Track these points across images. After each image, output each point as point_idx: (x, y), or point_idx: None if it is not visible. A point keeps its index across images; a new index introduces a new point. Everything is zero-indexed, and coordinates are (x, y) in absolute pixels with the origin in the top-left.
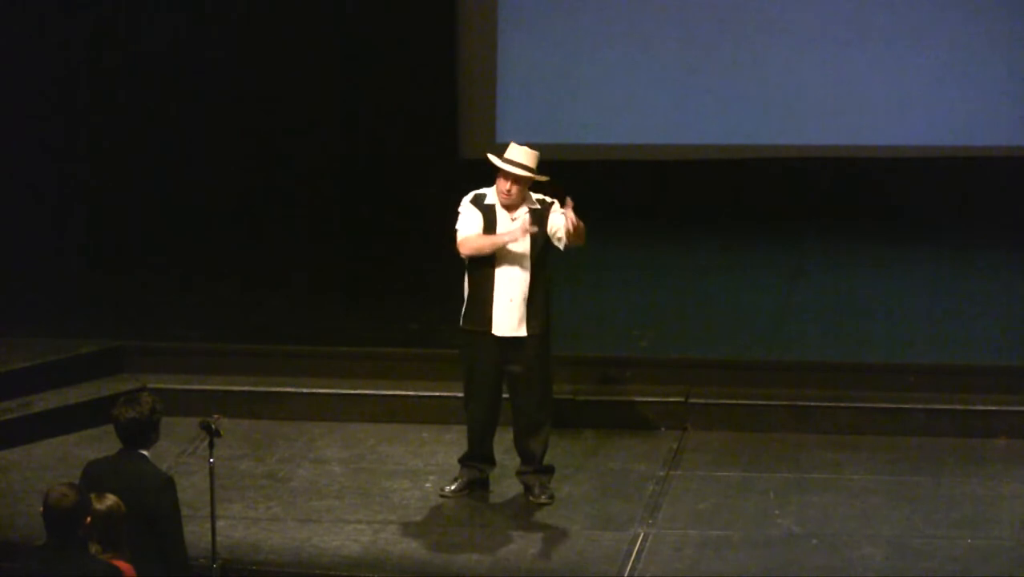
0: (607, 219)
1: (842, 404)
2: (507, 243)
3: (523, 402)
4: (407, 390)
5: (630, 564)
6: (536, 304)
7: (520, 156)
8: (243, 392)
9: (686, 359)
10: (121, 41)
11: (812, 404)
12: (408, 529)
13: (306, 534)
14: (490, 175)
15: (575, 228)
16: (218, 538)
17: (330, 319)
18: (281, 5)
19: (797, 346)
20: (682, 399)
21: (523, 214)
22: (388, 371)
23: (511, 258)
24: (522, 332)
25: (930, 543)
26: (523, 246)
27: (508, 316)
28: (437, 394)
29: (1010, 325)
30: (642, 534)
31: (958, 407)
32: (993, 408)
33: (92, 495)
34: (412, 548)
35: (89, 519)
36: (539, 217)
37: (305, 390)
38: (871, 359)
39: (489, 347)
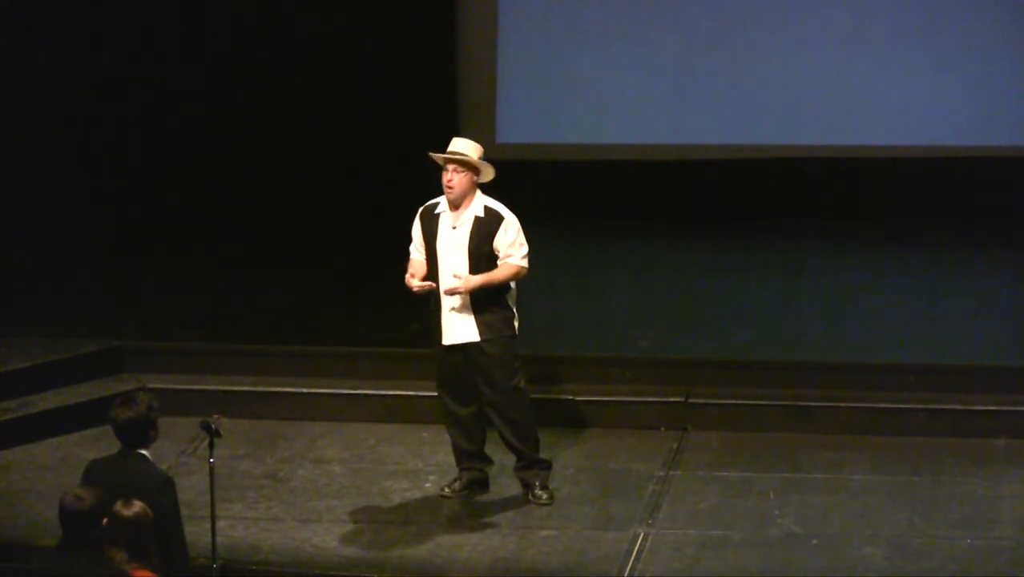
0: (606, 219)
1: (842, 404)
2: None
3: (491, 401)
4: (407, 390)
5: (630, 564)
6: (486, 310)
7: (459, 146)
8: (243, 392)
9: (686, 359)
10: (124, 44)
11: (812, 404)
12: (408, 529)
13: (306, 534)
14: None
15: (475, 287)
16: (218, 538)
17: (330, 319)
18: (281, 5)
19: (797, 346)
20: (682, 399)
21: (468, 221)
22: (388, 371)
23: (449, 269)
24: (472, 338)
25: (930, 543)
26: (461, 257)
27: (455, 325)
28: (437, 394)
29: (1010, 325)
30: (642, 534)
31: (958, 407)
32: (993, 408)
33: (119, 501)
34: (412, 548)
35: (106, 521)
36: (482, 230)
37: (305, 390)
38: (871, 359)
39: (448, 355)
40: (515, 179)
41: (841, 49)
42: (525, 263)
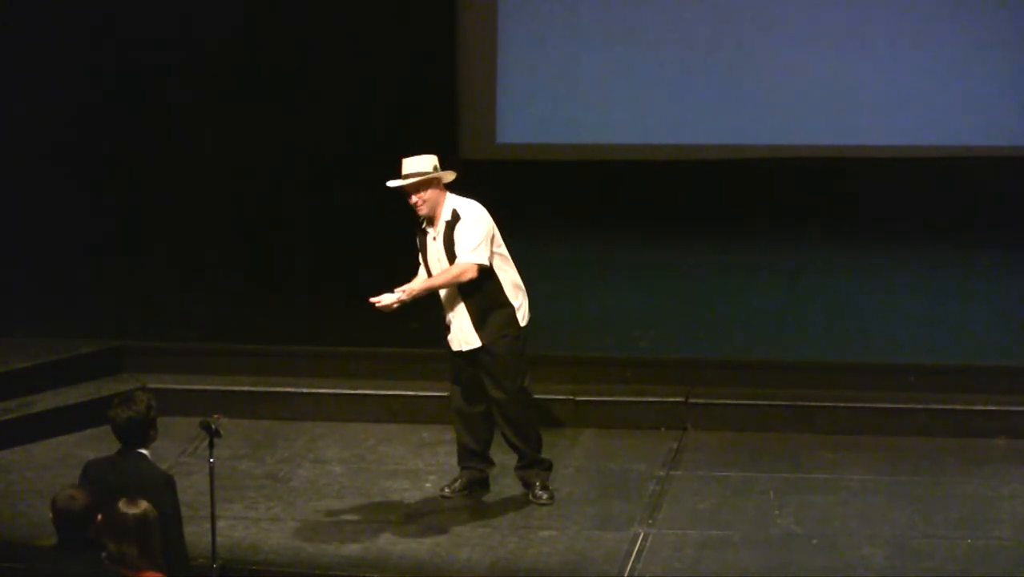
0: (606, 219)
1: (842, 404)
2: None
3: (495, 400)
4: (407, 390)
5: (630, 564)
6: (484, 315)
7: (409, 166)
8: (243, 392)
9: (686, 359)
10: (122, 39)
11: (812, 404)
12: (408, 529)
13: (306, 534)
14: (487, 179)
15: (416, 295)
16: (218, 538)
17: (330, 319)
18: (280, 4)
19: (797, 346)
20: (682, 399)
21: (442, 229)
22: (388, 371)
23: None
24: (474, 344)
25: (930, 543)
26: (441, 265)
27: (457, 331)
28: (437, 394)
29: (1010, 325)
30: (642, 534)
31: (958, 407)
32: (993, 408)
33: (122, 500)
34: (412, 548)
35: (100, 517)
36: (450, 234)
37: (305, 390)
38: (871, 359)
39: (456, 360)
40: (515, 179)
41: (841, 49)
42: (473, 258)
